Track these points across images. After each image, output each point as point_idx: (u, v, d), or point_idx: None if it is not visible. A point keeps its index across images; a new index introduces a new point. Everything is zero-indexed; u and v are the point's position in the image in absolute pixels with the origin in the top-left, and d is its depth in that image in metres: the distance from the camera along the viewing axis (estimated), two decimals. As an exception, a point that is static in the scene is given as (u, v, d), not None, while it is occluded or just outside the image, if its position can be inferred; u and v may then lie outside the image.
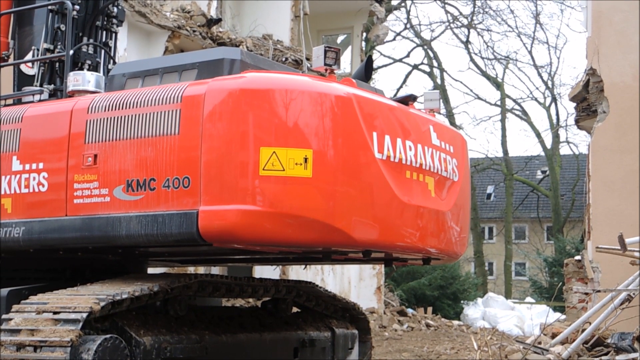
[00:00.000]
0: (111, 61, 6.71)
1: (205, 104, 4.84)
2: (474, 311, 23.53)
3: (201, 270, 11.00)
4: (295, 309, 7.01)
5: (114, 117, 5.16)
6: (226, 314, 6.24)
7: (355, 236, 4.92)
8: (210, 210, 4.74)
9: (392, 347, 12.26)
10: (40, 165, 5.41)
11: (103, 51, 6.64)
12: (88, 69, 6.35)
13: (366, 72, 6.01)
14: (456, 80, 61.10)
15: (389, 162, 5.12)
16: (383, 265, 13.02)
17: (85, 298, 4.73)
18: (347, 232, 4.87)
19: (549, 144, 36.41)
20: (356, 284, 18.01)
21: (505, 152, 36.83)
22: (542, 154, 37.72)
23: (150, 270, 6.96)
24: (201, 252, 6.28)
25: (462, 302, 24.49)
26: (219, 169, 4.76)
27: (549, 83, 36.55)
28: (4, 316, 4.77)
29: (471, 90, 38.88)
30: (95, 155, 5.18)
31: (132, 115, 5.10)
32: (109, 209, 5.07)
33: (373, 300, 18.12)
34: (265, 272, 13.68)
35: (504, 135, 36.66)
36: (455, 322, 19.33)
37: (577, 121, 11.61)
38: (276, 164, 4.75)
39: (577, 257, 11.32)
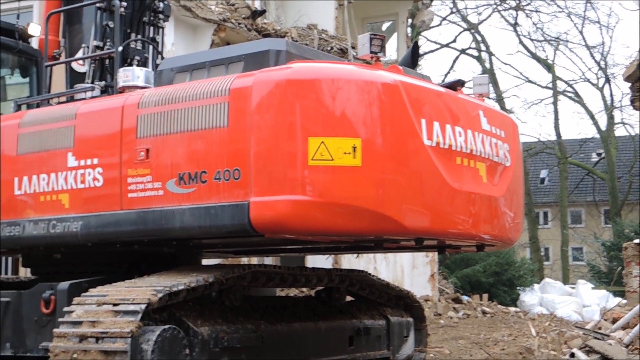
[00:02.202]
0: (159, 56, 6.83)
1: (252, 95, 4.90)
2: (531, 297, 23.27)
3: (254, 260, 11.12)
4: (349, 298, 7.05)
5: (164, 112, 5.26)
6: (280, 304, 6.33)
7: (407, 224, 4.94)
8: (260, 201, 4.80)
9: (447, 334, 12.23)
10: (95, 161, 5.55)
11: (151, 47, 6.76)
12: (137, 65, 6.48)
13: (412, 59, 6.00)
14: (505, 64, 60.30)
15: (439, 148, 5.12)
16: (436, 253, 12.97)
17: (143, 290, 4.84)
18: (398, 220, 4.89)
19: (603, 126, 35.71)
20: (409, 272, 17.98)
21: (559, 135, 36.23)
22: (597, 136, 37.00)
23: (205, 262, 7.08)
24: (254, 243, 6.36)
25: (518, 288, 24.24)
26: (268, 160, 4.82)
27: (602, 63, 35.81)
28: (65, 309, 4.94)
29: (521, 74, 38.28)
30: (148, 150, 5.28)
31: (181, 110, 5.19)
32: (162, 202, 5.18)
33: (427, 288, 18.07)
34: (317, 261, 13.77)
35: (556, 118, 36.08)
36: (512, 309, 19.15)
37: (632, 101, 11.38)
38: (325, 153, 4.78)
39: (637, 240, 11.12)
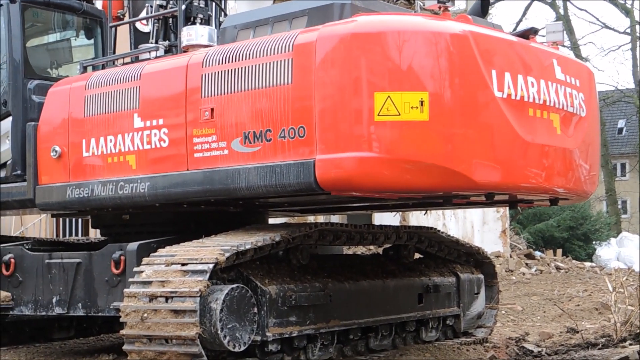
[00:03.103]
0: (222, 14, 6.81)
1: (316, 51, 4.85)
2: (608, 252, 22.80)
3: (321, 219, 11.17)
4: (417, 256, 7.02)
5: (228, 70, 5.26)
6: (348, 262, 6.35)
7: (477, 179, 4.85)
8: (326, 159, 4.79)
9: (520, 290, 12.09)
10: (161, 122, 5.60)
11: (214, 4, 6.74)
12: (200, 23, 6.47)
13: (482, 8, 5.82)
14: (581, 10, 58.26)
15: (510, 100, 4.98)
16: (507, 208, 12.77)
17: (211, 249, 4.91)
18: (467, 175, 4.80)
19: (685, 72, 34.26)
20: (479, 228, 17.80)
21: (637, 83, 34.96)
22: (679, 82, 35.54)
23: (271, 221, 7.14)
24: (320, 201, 6.37)
25: (594, 243, 23.77)
26: (334, 117, 4.80)
27: (685, 5, 34.19)
28: (135, 269, 5.05)
29: (597, 19, 36.96)
30: (212, 109, 5.31)
31: (245, 67, 5.18)
32: (228, 162, 5.21)
33: (498, 244, 17.86)
34: (385, 219, 13.75)
35: (634, 65, 34.78)
36: (587, 264, 18.80)
37: None
38: (391, 108, 4.72)
39: None
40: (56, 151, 6.17)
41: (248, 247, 5.01)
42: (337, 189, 4.90)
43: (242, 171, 5.12)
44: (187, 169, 5.42)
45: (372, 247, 10.73)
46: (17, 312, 6.39)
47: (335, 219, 11.14)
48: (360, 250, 11.23)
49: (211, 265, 4.73)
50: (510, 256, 17.64)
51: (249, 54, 5.18)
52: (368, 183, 4.80)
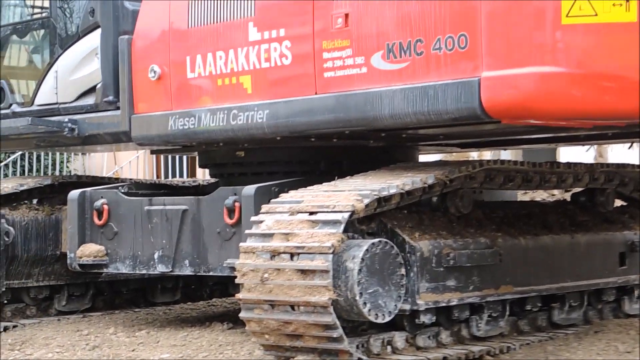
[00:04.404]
0: None
1: None
2: None
3: (487, 155, 11.04)
4: (618, 202, 6.84)
5: (366, -37, 5.24)
6: (523, 211, 6.28)
7: None
8: (496, 76, 4.72)
9: None
10: (282, 32, 5.66)
11: None
12: None
13: None
14: None
15: None
16: None
17: (346, 195, 4.96)
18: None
19: None
20: None
21: None
22: None
23: (422, 158, 7.11)
24: (486, 133, 6.30)
25: None
26: (506, 20, 4.71)
27: None
28: (252, 218, 5.19)
29: None
30: (346, 15, 5.30)
31: (388, -41, 5.12)
32: (366, 83, 5.22)
33: None
34: (574, 154, 13.40)
35: None
36: None
37: None
38: (585, 6, 4.59)
39: None
40: (155, 72, 6.37)
41: (393, 191, 5.02)
42: (510, 115, 4.83)
43: (385, 94, 5.11)
44: (316, 93, 5.47)
45: (556, 191, 10.51)
46: (113, 269, 6.71)
47: (506, 155, 10.97)
48: (541, 195, 11.04)
49: (346, 215, 4.78)
50: None
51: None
52: (551, 107, 4.70)
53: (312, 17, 5.48)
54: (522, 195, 10.65)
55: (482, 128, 5.66)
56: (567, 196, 7.37)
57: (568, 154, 13.10)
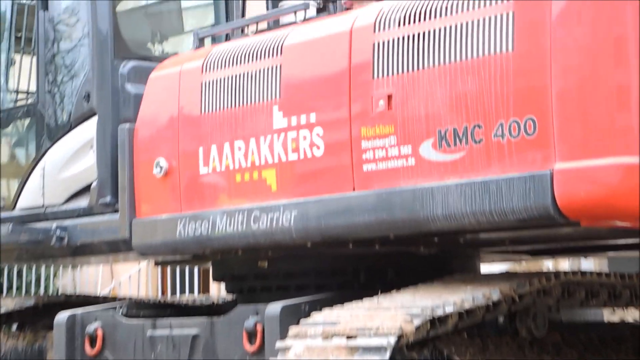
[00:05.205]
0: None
1: (553, -2, 4.80)
2: None
3: (565, 265, 10.94)
4: None
5: (413, 35, 5.28)
6: (612, 335, 6.23)
7: None
8: (572, 168, 4.70)
9: None
10: (312, 118, 5.68)
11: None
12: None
13: None
14: None
15: None
16: None
17: (392, 314, 4.87)
18: None
19: None
20: None
21: None
22: None
23: (484, 268, 7.03)
24: (562, 237, 6.21)
25: None
26: (582, 102, 4.71)
27: None
28: (278, 344, 5.09)
29: None
30: (390, 96, 5.33)
31: (438, 30, 5.18)
32: (415, 177, 5.21)
33: None
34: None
35: None
36: None
37: None
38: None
39: None
40: (161, 166, 6.39)
41: (449, 310, 4.93)
42: (591, 216, 4.78)
43: (437, 190, 5.09)
44: (353, 189, 5.47)
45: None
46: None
47: (587, 264, 10.87)
48: (633, 315, 10.89)
49: (393, 339, 4.67)
50: None
51: (443, 10, 5.18)
52: (644, 206, 4.65)
53: (349, 98, 5.51)
54: (610, 315, 10.47)
55: (557, 231, 5.58)
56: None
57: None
